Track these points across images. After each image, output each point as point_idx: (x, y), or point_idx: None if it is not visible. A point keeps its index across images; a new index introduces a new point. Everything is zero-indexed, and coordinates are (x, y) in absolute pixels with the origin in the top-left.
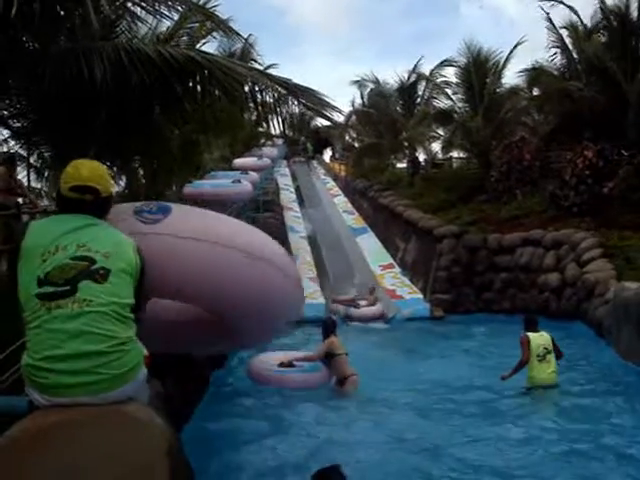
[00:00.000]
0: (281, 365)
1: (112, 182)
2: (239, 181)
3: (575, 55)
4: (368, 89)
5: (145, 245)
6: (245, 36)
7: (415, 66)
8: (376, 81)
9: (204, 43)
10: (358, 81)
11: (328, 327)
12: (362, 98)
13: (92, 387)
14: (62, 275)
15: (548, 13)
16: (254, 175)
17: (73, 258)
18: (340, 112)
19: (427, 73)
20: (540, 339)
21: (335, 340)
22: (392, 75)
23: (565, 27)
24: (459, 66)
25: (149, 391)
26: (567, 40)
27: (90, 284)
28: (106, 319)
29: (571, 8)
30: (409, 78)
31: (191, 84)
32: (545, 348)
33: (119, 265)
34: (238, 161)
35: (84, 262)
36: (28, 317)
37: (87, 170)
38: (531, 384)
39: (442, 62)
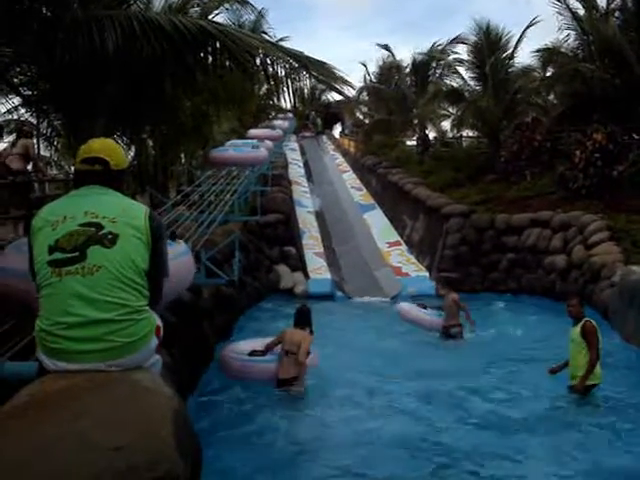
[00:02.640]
0: (252, 354)
1: (125, 158)
2: (257, 147)
3: (590, 37)
4: (380, 63)
5: None
6: (256, 7)
7: (431, 48)
8: (390, 54)
9: (216, 14)
10: (381, 45)
11: (301, 317)
12: (370, 75)
13: (101, 354)
14: (71, 242)
15: None
16: (269, 143)
17: (81, 225)
18: (352, 86)
19: (439, 50)
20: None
21: (290, 332)
22: (404, 52)
23: (580, 9)
24: (470, 44)
25: (162, 361)
26: (582, 21)
27: (99, 249)
28: (116, 286)
29: None
30: (420, 56)
31: (202, 55)
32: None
33: (127, 230)
34: (253, 131)
35: (92, 228)
36: (40, 284)
37: (98, 144)
38: (593, 380)
39: (453, 40)
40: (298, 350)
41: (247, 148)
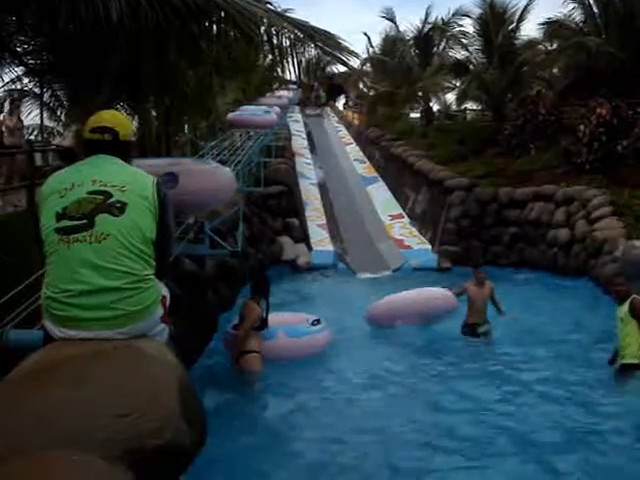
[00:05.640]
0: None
1: (132, 131)
2: (269, 112)
3: (595, 9)
4: (383, 35)
5: None
6: None
7: (426, 15)
8: (394, 25)
9: None
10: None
11: (255, 286)
12: (373, 46)
13: (107, 322)
14: (79, 209)
15: None
16: (277, 109)
17: (90, 192)
18: (357, 57)
19: (444, 23)
20: None
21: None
22: (409, 24)
23: None
24: (476, 18)
25: (168, 331)
26: None
27: (107, 217)
28: (124, 254)
29: None
30: (423, 27)
31: (207, 24)
32: None
33: (136, 199)
34: (262, 99)
35: (100, 196)
36: (48, 251)
37: (108, 114)
38: (626, 360)
39: (455, 12)
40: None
41: (260, 112)
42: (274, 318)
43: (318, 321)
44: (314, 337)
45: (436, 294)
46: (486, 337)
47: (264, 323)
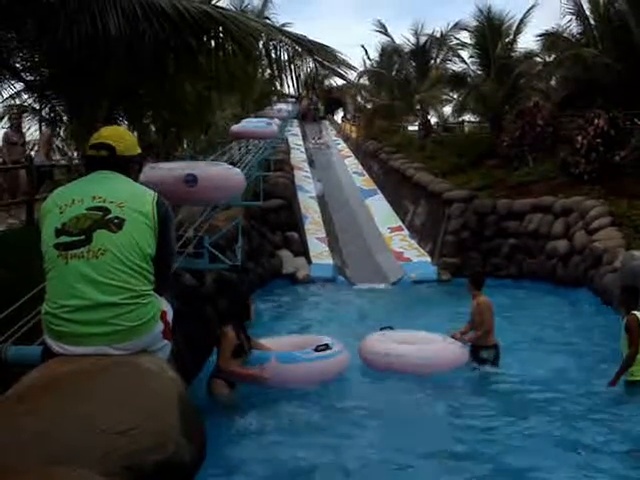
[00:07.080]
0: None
1: (137, 146)
2: (270, 124)
3: (592, 22)
4: (380, 48)
5: None
6: None
7: (416, 30)
8: (390, 39)
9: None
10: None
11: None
12: (370, 59)
13: (107, 337)
14: (77, 225)
15: None
16: (277, 121)
17: (88, 209)
18: (355, 70)
19: (443, 35)
20: None
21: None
22: (405, 38)
23: None
24: (473, 30)
25: (170, 346)
26: (585, 6)
27: (105, 233)
28: (121, 270)
29: None
30: (418, 40)
31: (205, 39)
32: None
33: (134, 215)
34: (261, 113)
35: (98, 212)
36: (47, 267)
37: (108, 131)
38: (633, 377)
39: (455, 25)
40: None
41: (262, 124)
42: (283, 340)
43: (326, 346)
44: (315, 364)
45: (447, 350)
46: (491, 363)
47: (240, 349)
